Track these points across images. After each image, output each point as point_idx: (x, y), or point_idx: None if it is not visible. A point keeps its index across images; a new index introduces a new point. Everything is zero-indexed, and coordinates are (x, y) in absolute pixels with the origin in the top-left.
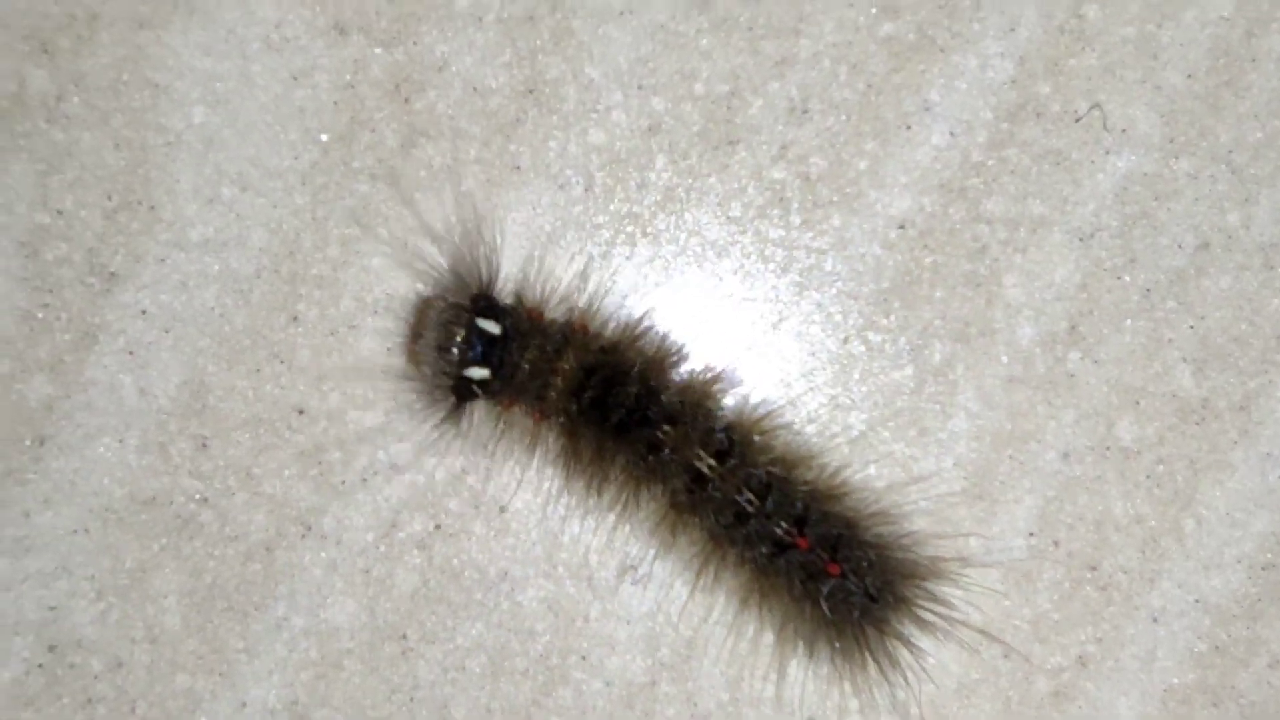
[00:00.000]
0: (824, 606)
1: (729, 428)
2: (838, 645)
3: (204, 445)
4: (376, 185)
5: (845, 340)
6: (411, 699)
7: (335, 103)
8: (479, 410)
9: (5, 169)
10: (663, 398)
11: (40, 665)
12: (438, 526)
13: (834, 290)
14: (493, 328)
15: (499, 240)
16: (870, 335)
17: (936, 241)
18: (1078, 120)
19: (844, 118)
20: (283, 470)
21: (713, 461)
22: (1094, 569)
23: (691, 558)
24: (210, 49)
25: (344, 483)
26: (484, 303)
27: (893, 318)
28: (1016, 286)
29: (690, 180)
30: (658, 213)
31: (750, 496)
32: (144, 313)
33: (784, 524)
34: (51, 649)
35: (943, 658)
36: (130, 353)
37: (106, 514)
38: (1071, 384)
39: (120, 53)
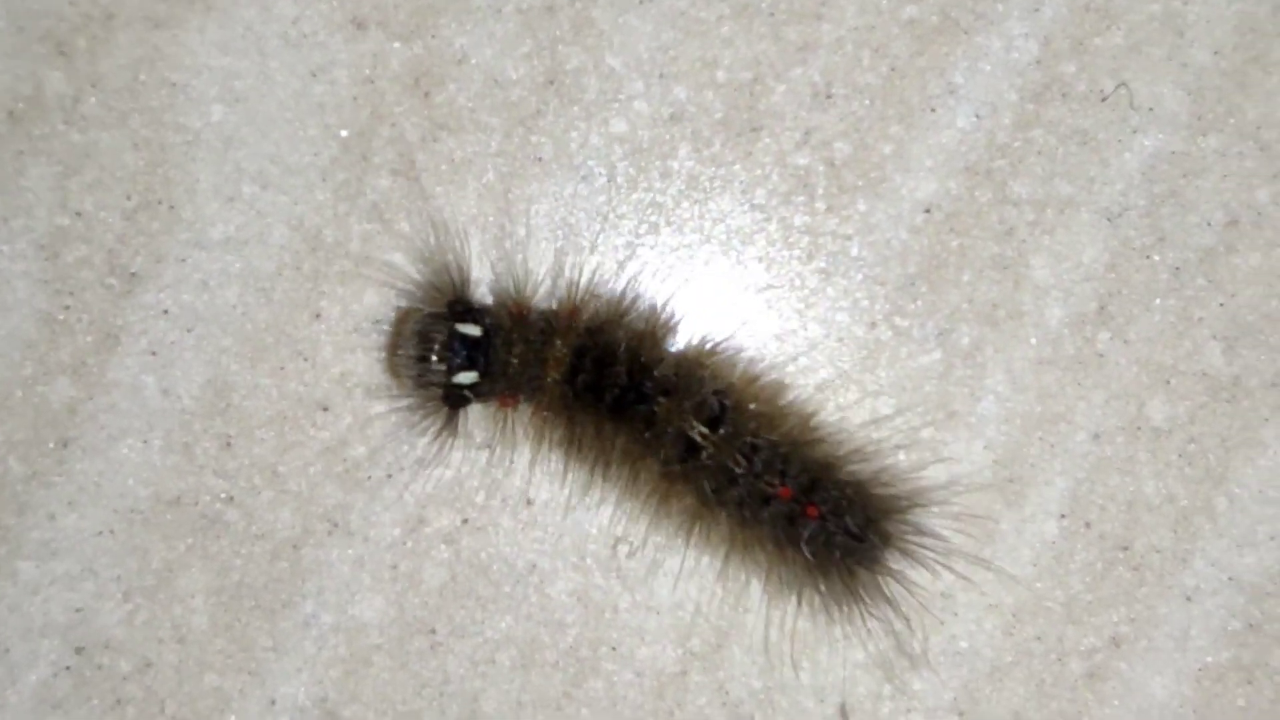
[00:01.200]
0: (805, 551)
1: (720, 393)
2: (823, 589)
3: (228, 444)
4: (397, 180)
5: (872, 326)
6: (441, 693)
7: (355, 98)
8: (478, 411)
9: (23, 171)
10: (656, 372)
11: (68, 667)
12: (465, 520)
13: (860, 276)
14: (473, 330)
15: (467, 242)
16: (897, 320)
17: (963, 224)
18: (1104, 99)
19: (868, 102)
20: (308, 468)
21: (704, 429)
22: (1126, 549)
23: (681, 524)
24: (228, 46)
25: (370, 479)
26: (460, 307)
27: (920, 302)
28: (1044, 268)
29: (714, 168)
30: (681, 201)
31: (739, 459)
32: (166, 313)
33: (768, 478)
34: (79, 651)
35: (976, 642)
36: (153, 353)
37: (132, 515)
38: (1101, 364)
39: (137, 52)
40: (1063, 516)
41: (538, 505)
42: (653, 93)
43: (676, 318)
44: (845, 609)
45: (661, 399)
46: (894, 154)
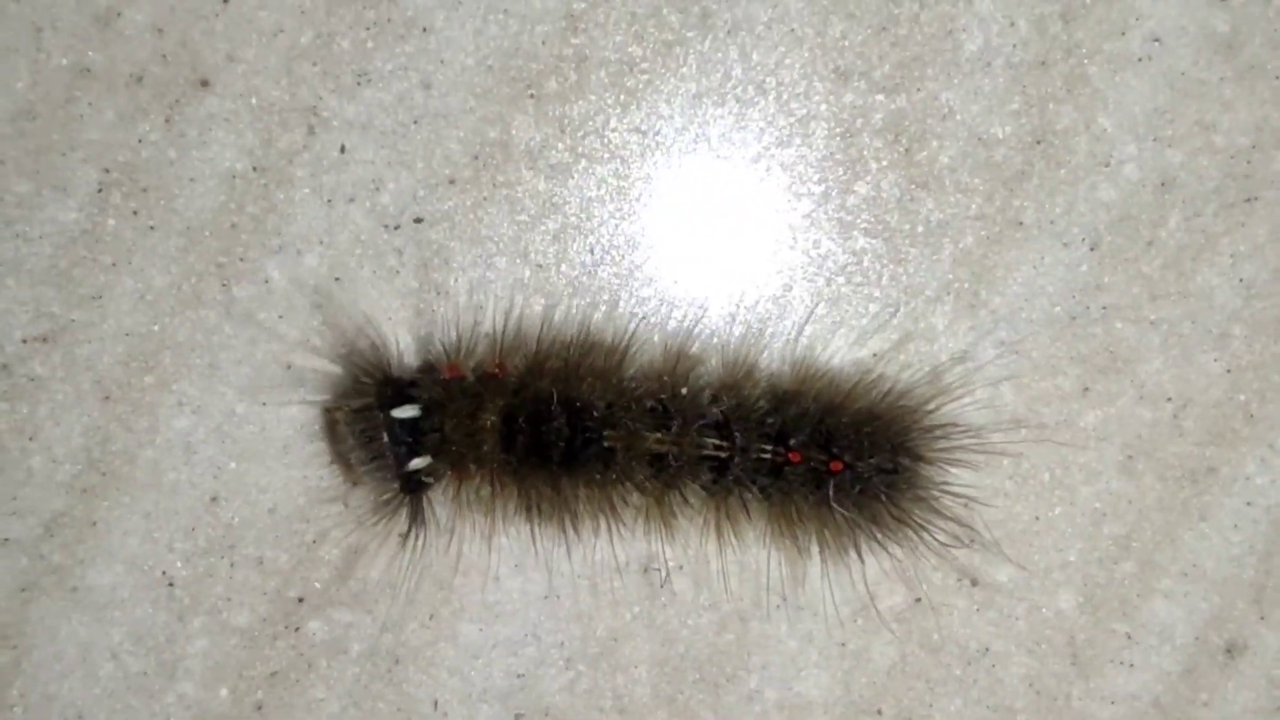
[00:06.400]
0: (843, 510)
1: (655, 392)
2: (879, 536)
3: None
4: (872, 241)
5: None
6: None
7: (832, 153)
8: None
9: (479, 218)
10: (595, 412)
11: None
12: (917, 600)
13: None
14: (410, 412)
15: (381, 316)
16: None
17: None
18: None
19: None
20: (758, 540)
21: (658, 434)
22: None
23: (701, 528)
24: (704, 95)
25: (818, 554)
26: (391, 390)
27: None
28: None
29: (1202, 239)
30: (1166, 274)
31: (716, 442)
32: None
33: (767, 447)
34: (519, 717)
35: None
36: None
37: (577, 580)
38: None
39: (608, 98)
40: None
41: (994, 586)
42: (1145, 157)
43: (592, 338)
44: (909, 539)
45: (608, 432)
46: None
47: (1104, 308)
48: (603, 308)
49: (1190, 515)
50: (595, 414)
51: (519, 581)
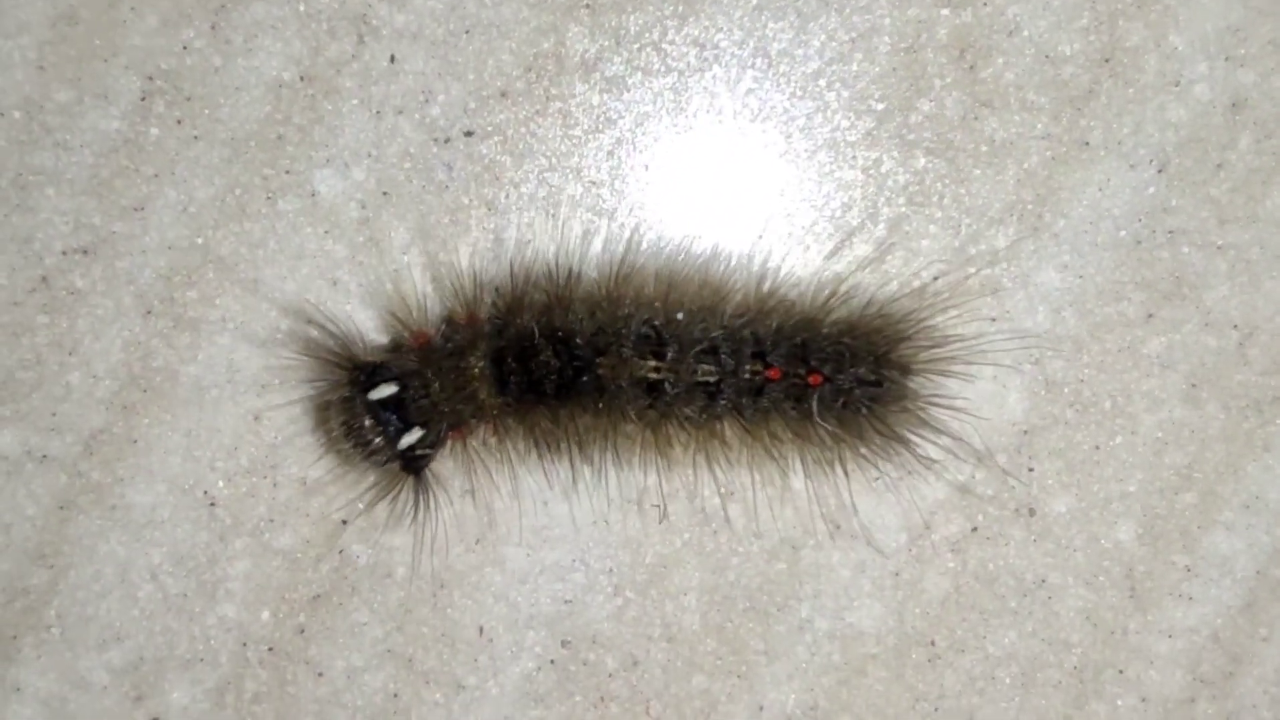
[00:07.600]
0: (827, 423)
1: (650, 319)
2: (863, 451)
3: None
4: (934, 161)
5: None
6: (936, 709)
7: (895, 69)
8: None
9: (531, 132)
10: (578, 339)
11: (552, 661)
12: (974, 529)
13: None
14: (388, 390)
15: (332, 297)
16: None
17: None
18: None
19: None
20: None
21: (654, 364)
22: None
23: (688, 455)
24: (764, 7)
25: (877, 480)
26: (363, 374)
27: None
28: None
29: (1273, 162)
30: (1235, 197)
31: (708, 368)
32: None
33: (748, 368)
34: (565, 644)
35: None
36: None
37: (626, 506)
38: None
39: (665, 9)
40: None
41: (1052, 517)
42: (1216, 76)
43: (574, 266)
44: (896, 453)
45: (600, 360)
46: None
47: (1170, 232)
48: (622, 229)
49: (1254, 446)
50: (581, 342)
51: (566, 506)
